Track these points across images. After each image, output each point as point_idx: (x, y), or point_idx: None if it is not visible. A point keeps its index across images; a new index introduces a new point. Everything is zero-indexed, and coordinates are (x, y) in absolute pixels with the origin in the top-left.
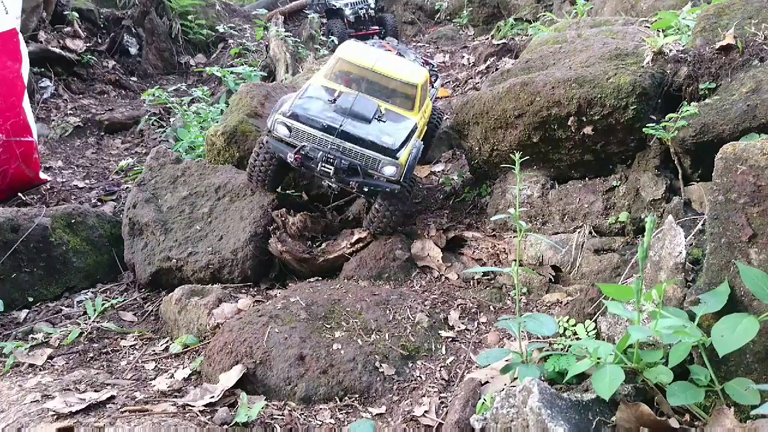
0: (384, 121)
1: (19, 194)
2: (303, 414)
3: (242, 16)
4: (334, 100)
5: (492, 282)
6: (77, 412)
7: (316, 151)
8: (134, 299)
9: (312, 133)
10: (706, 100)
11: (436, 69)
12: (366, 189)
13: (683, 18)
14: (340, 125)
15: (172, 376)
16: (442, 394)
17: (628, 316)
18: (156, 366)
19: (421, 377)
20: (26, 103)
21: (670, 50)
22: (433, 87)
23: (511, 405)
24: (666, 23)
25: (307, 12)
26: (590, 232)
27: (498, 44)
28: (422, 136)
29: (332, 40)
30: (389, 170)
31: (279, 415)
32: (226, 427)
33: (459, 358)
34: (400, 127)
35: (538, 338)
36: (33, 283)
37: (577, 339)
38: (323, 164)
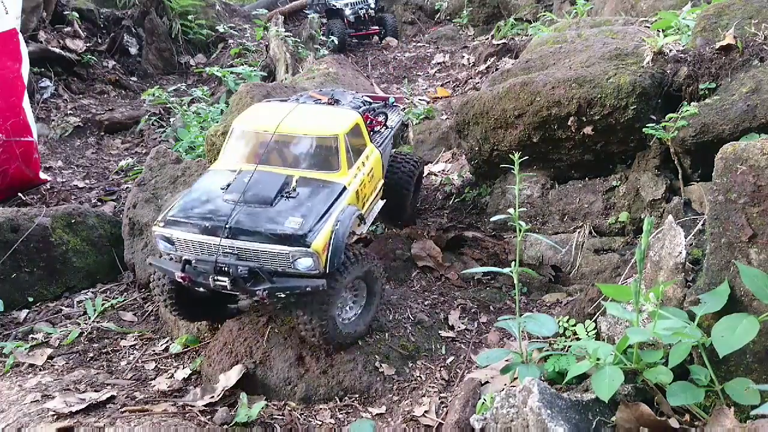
0: (294, 197)
1: (19, 194)
2: (303, 414)
3: (242, 16)
4: (229, 185)
5: (492, 282)
6: (77, 412)
7: (206, 263)
8: (134, 299)
9: (195, 240)
10: (706, 100)
11: (394, 103)
12: (283, 295)
13: (683, 18)
14: (229, 220)
15: (172, 376)
16: (442, 394)
17: (627, 317)
18: (156, 366)
19: (421, 377)
20: (26, 103)
21: (670, 50)
22: (384, 126)
23: (511, 405)
24: (666, 23)
25: (307, 12)
26: (590, 232)
27: (498, 44)
28: (377, 193)
29: (332, 40)
30: (304, 263)
31: (279, 415)
32: (226, 427)
33: (459, 358)
34: (317, 200)
35: (538, 338)
36: (33, 283)
37: (577, 339)
38: (216, 277)
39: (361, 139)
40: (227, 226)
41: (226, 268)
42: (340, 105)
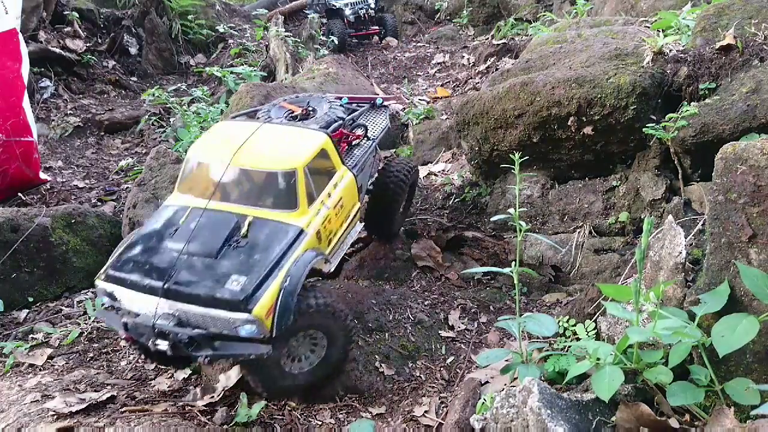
0: (242, 246)
1: (19, 194)
2: (303, 414)
3: (242, 16)
4: (176, 230)
5: (492, 282)
6: (77, 412)
7: (144, 326)
8: None
9: (134, 300)
10: (706, 100)
11: (383, 104)
12: (228, 361)
13: (683, 18)
14: (168, 279)
15: (172, 376)
16: (442, 394)
17: (627, 317)
18: (156, 366)
19: (421, 377)
20: (26, 103)
21: (670, 50)
22: (365, 137)
23: (511, 405)
24: (666, 23)
25: (307, 12)
26: (590, 232)
27: (498, 44)
28: (352, 220)
29: (332, 40)
30: (247, 329)
31: (279, 415)
32: (225, 427)
33: (459, 358)
34: (267, 250)
35: (538, 338)
36: (33, 283)
37: (577, 339)
38: (155, 341)
39: (329, 163)
40: (165, 286)
41: (166, 332)
42: (315, 115)
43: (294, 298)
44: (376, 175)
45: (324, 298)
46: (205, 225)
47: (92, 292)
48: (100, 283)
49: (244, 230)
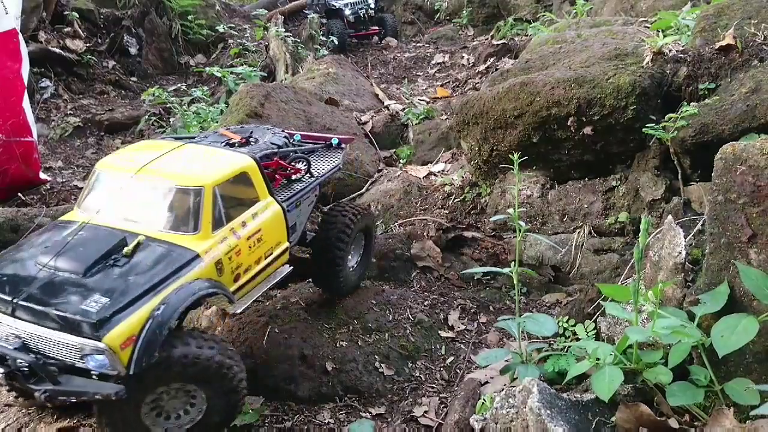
0: (121, 265)
1: (19, 194)
2: (303, 414)
3: (242, 16)
4: (52, 243)
5: (492, 282)
6: (77, 412)
7: None
8: None
9: None
10: (706, 101)
11: (340, 145)
12: (68, 402)
13: (683, 18)
14: (19, 294)
15: None
16: (442, 394)
17: (627, 318)
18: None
19: (421, 377)
20: (26, 103)
21: (670, 50)
22: (308, 173)
23: (510, 405)
24: (666, 23)
25: (307, 12)
26: (590, 232)
27: (498, 44)
28: (274, 259)
29: (332, 40)
30: (97, 361)
31: (279, 415)
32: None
33: (459, 358)
34: (148, 272)
35: (537, 338)
36: None
37: (577, 339)
38: None
39: (251, 190)
40: (14, 301)
41: (7, 357)
42: (261, 141)
43: (164, 330)
44: (320, 219)
45: (205, 348)
46: (83, 240)
47: None
48: None
49: (128, 249)
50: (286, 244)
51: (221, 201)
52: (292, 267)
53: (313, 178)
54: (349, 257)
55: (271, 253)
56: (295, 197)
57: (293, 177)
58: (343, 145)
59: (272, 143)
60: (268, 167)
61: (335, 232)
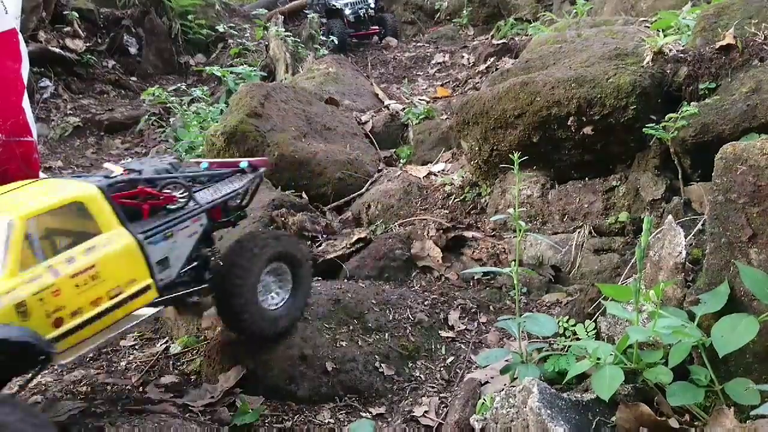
0: None
1: None
2: (303, 414)
3: (242, 16)
4: None
5: (492, 282)
6: (77, 412)
7: None
8: None
9: None
10: (706, 100)
11: (251, 169)
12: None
13: (683, 18)
14: None
15: (172, 376)
16: (442, 394)
17: (627, 317)
18: (156, 366)
19: (421, 377)
20: (26, 103)
21: (670, 50)
22: (189, 200)
23: (511, 405)
24: (666, 23)
25: (307, 12)
26: (590, 232)
27: (498, 44)
28: (123, 300)
29: (332, 40)
30: None
31: (279, 415)
32: (226, 427)
33: (459, 358)
34: None
35: (538, 338)
36: None
37: (577, 339)
38: None
39: (89, 222)
40: None
41: None
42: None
43: None
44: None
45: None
46: None
47: None
48: None
49: None
50: (147, 282)
51: (37, 235)
52: (162, 308)
53: (194, 207)
54: (272, 295)
55: (120, 293)
56: (161, 228)
57: (170, 206)
58: (260, 170)
59: (147, 169)
60: (131, 196)
61: (232, 259)
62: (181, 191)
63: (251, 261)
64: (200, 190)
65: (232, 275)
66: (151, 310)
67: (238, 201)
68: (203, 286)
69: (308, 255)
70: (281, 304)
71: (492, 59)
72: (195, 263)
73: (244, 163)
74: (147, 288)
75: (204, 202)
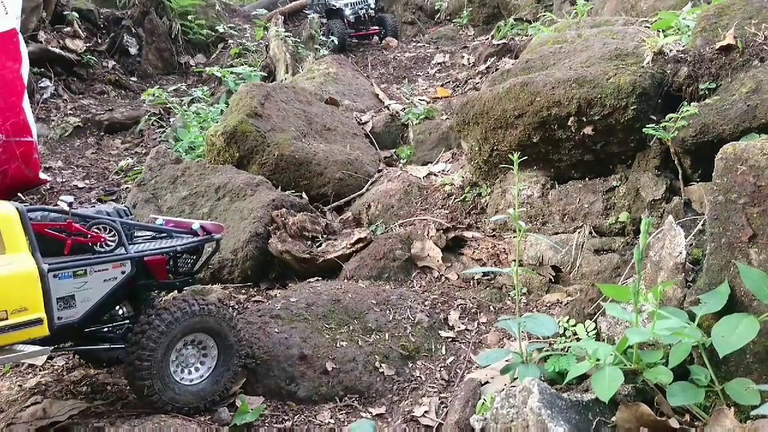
0: None
1: (19, 194)
2: (303, 414)
3: (242, 16)
4: None
5: (492, 282)
6: (77, 412)
7: None
8: None
9: None
10: (706, 100)
11: (204, 232)
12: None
13: (683, 18)
14: None
15: None
16: (442, 394)
17: (627, 318)
18: None
19: (421, 377)
20: (26, 103)
21: (670, 50)
22: (120, 241)
23: (511, 405)
24: (666, 23)
25: (307, 12)
26: (590, 232)
27: (498, 44)
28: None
29: (332, 40)
30: None
31: (279, 415)
32: (226, 427)
33: (459, 358)
34: None
35: (538, 338)
36: None
37: (577, 339)
38: None
39: None
40: None
41: None
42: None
43: None
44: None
45: None
46: None
47: None
48: None
49: None
50: (39, 315)
51: None
52: (50, 348)
53: (120, 252)
54: (193, 369)
55: (3, 318)
56: (74, 264)
57: (97, 247)
58: (216, 236)
59: (96, 212)
60: (58, 228)
61: (141, 324)
62: (111, 234)
63: (162, 333)
64: (141, 241)
65: (138, 344)
66: (37, 348)
67: (188, 265)
68: (117, 346)
69: (232, 322)
70: (201, 379)
71: (492, 59)
72: (106, 319)
73: (196, 224)
74: (38, 321)
75: (135, 251)
